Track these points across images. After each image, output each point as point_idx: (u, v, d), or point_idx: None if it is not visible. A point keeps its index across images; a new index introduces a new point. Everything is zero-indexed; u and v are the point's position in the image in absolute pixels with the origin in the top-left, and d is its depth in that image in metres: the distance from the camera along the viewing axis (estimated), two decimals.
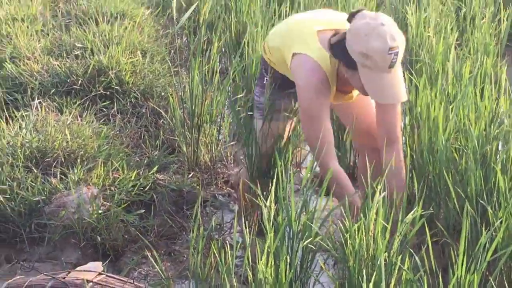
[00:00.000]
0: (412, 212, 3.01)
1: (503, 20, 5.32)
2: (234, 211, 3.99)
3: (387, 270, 2.71)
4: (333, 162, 3.39)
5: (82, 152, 3.97)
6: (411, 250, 2.98)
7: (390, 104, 3.37)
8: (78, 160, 3.91)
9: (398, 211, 3.03)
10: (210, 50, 4.87)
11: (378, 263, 2.70)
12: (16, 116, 4.28)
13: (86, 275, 2.98)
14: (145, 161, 4.14)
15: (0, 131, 4.09)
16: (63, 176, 3.79)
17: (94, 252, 3.53)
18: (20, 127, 4.14)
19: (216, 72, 4.51)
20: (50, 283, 2.93)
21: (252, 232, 3.75)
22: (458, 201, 3.37)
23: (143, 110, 4.67)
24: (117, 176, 3.88)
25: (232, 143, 4.45)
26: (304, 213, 3.16)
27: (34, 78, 4.73)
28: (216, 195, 4.10)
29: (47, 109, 4.35)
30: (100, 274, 3.01)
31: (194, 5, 5.54)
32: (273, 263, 2.83)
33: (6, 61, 4.92)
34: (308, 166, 4.13)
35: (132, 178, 3.86)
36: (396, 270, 2.77)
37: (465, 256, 2.71)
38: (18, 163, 3.81)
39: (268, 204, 3.10)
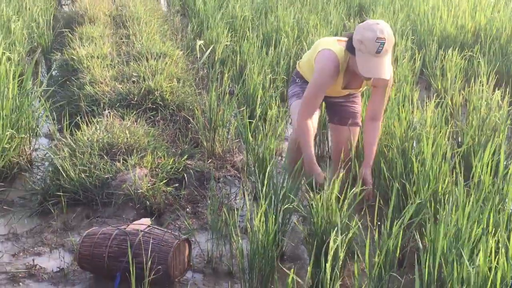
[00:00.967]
0: (355, 187, 3.03)
1: (417, 60, 5.33)
2: (237, 185, 3.99)
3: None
4: (306, 120, 3.32)
5: (137, 145, 3.96)
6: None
7: (380, 87, 3.34)
8: (134, 151, 3.90)
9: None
10: (222, 78, 4.89)
11: (333, 219, 2.71)
12: (93, 121, 4.27)
13: (139, 226, 3.00)
14: (179, 152, 4.13)
15: (82, 131, 4.09)
16: (124, 161, 3.78)
17: (145, 212, 3.52)
18: (95, 128, 4.13)
19: (226, 93, 4.52)
20: (116, 231, 2.94)
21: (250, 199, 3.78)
22: (388, 180, 3.38)
23: (177, 118, 4.65)
24: (160, 161, 3.88)
25: (236, 140, 4.45)
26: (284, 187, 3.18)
27: (105, 96, 4.72)
28: (226, 175, 4.10)
29: (113, 117, 4.34)
30: (148, 226, 3.03)
31: (211, 48, 5.56)
32: (264, 219, 2.83)
33: (87, 84, 4.91)
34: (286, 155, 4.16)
35: (170, 163, 3.86)
36: (344, 224, 2.78)
37: (394, 214, 2.73)
38: (94, 152, 3.81)
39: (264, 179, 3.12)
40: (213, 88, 4.31)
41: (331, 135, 3.73)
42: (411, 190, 3.11)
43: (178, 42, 6.63)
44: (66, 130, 4.16)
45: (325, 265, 2.40)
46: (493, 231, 2.54)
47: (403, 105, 3.80)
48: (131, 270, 2.63)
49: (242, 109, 4.42)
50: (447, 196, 3.00)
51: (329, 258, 2.30)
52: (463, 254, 2.33)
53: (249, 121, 4.11)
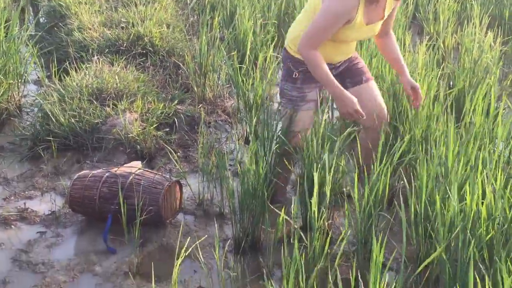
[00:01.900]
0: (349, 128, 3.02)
1: (410, 4, 5.26)
2: (228, 130, 3.99)
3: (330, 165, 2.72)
4: (311, 50, 2.79)
5: (126, 91, 3.94)
6: (347, 153, 3.00)
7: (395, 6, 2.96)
8: (124, 96, 3.88)
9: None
10: (213, 24, 4.83)
11: (323, 159, 2.71)
12: (81, 67, 4.23)
13: (130, 169, 3.00)
14: (169, 97, 4.11)
15: (71, 76, 4.06)
16: (114, 106, 3.77)
17: (135, 156, 3.53)
18: (85, 74, 4.10)
19: (216, 38, 4.47)
20: (107, 174, 2.95)
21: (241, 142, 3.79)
22: None
23: (168, 64, 4.61)
24: (150, 106, 3.86)
25: (227, 85, 4.43)
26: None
27: (94, 42, 4.66)
28: (217, 120, 4.09)
29: (102, 63, 4.30)
30: (139, 169, 3.03)
31: None
32: (254, 160, 2.84)
33: (75, 30, 4.84)
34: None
35: (160, 108, 3.85)
36: (334, 164, 2.78)
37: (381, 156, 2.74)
38: (84, 97, 3.79)
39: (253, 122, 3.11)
40: (203, 33, 4.26)
41: None
42: (403, 129, 3.11)
43: None
44: (55, 76, 4.12)
45: (311, 203, 2.42)
46: (481, 171, 2.56)
47: None
48: (122, 211, 2.65)
49: (232, 54, 4.38)
50: (437, 136, 3.00)
51: (314, 195, 2.32)
52: (449, 192, 2.35)
53: (239, 66, 4.09)
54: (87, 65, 4.25)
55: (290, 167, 3.03)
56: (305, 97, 3.00)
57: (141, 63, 4.53)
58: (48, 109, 3.66)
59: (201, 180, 3.23)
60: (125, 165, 3.15)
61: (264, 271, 2.48)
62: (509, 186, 2.38)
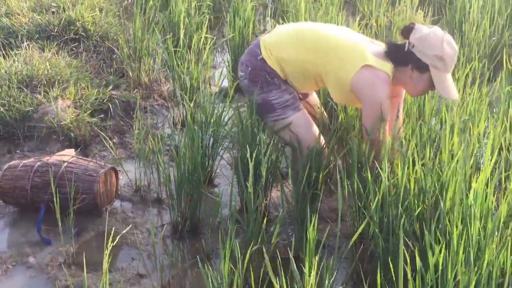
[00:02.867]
0: None
1: None
2: (165, 115, 3.94)
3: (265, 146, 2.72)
4: (381, 132, 2.66)
5: (58, 77, 3.83)
6: None
7: (396, 103, 2.81)
8: (56, 83, 3.78)
9: None
10: (147, 7, 4.76)
11: (258, 141, 2.72)
12: (10, 54, 4.09)
13: (63, 157, 2.94)
14: (104, 83, 4.02)
15: None
16: (46, 94, 3.67)
17: (69, 144, 3.45)
18: (14, 61, 3.96)
19: (151, 21, 4.41)
20: (38, 163, 2.88)
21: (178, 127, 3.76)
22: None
23: (102, 49, 4.50)
24: (84, 92, 3.77)
25: (163, 69, 4.37)
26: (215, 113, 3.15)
27: (23, 27, 4.51)
28: (153, 104, 4.04)
29: (32, 49, 4.17)
30: (73, 157, 2.97)
31: None
32: (191, 145, 2.82)
33: (2, 16, 4.67)
34: (216, 83, 4.14)
35: (94, 93, 3.76)
36: (270, 145, 2.78)
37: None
38: (13, 85, 3.66)
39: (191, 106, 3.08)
40: (137, 17, 4.19)
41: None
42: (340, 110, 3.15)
43: None
44: None
45: (246, 185, 2.42)
46: (412, 146, 2.61)
47: None
48: (55, 201, 2.59)
49: (167, 37, 4.32)
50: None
51: (250, 176, 2.32)
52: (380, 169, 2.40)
53: (174, 50, 4.04)
54: (16, 52, 4.11)
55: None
56: (296, 95, 2.87)
57: (74, 49, 4.42)
58: None
59: (137, 166, 3.19)
60: (57, 153, 3.08)
61: (201, 255, 2.47)
62: (437, 160, 2.44)
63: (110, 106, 3.78)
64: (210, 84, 4.33)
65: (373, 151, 2.59)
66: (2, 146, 3.42)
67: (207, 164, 3.12)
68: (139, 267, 2.59)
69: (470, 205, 2.10)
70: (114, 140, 3.56)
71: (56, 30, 4.50)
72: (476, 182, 2.13)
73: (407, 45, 2.62)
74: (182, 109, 3.81)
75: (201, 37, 4.21)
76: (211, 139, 3.12)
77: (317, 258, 2.04)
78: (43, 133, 3.44)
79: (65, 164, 2.84)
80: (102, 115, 3.71)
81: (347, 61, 2.66)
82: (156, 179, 3.13)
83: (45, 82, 3.76)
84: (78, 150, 3.39)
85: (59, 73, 3.87)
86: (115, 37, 4.62)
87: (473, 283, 1.95)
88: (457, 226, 2.04)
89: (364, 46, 2.69)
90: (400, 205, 2.28)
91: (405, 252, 2.02)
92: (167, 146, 3.50)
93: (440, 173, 2.40)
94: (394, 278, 2.02)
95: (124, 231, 2.64)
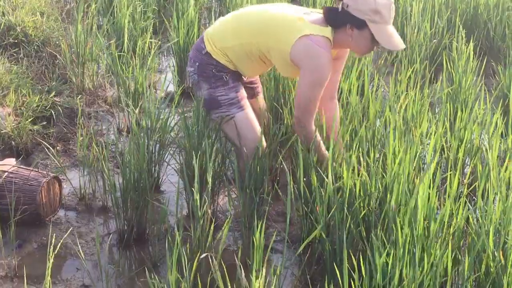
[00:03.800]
0: None
1: None
2: (110, 121, 3.87)
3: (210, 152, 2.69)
4: (312, 123, 2.74)
5: None
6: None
7: (340, 60, 2.88)
8: None
9: None
10: (89, 11, 4.66)
11: (203, 145, 2.69)
12: None
13: (2, 167, 2.84)
14: (46, 89, 3.91)
15: None
16: None
17: (10, 153, 3.34)
18: None
19: (93, 25, 4.32)
20: None
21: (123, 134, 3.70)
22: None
23: (43, 54, 4.39)
24: (25, 99, 3.66)
25: (107, 75, 4.29)
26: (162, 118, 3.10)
27: None
28: (98, 111, 3.95)
29: None
30: (13, 166, 2.88)
31: None
32: (136, 152, 2.76)
33: None
34: (161, 88, 4.08)
35: (36, 100, 3.65)
36: (215, 150, 2.76)
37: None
38: None
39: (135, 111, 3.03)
40: (79, 21, 4.10)
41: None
42: (285, 114, 3.14)
43: None
44: None
45: (192, 191, 2.39)
46: (356, 149, 2.63)
47: None
48: None
49: (111, 42, 4.24)
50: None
51: (195, 183, 2.29)
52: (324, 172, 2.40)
53: (119, 54, 3.97)
54: None
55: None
56: (242, 93, 2.87)
57: (14, 54, 4.29)
58: None
59: (82, 174, 3.12)
60: None
61: (148, 264, 2.43)
62: (379, 162, 2.46)
63: (53, 113, 3.68)
64: (155, 89, 4.28)
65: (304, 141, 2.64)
66: None
67: (153, 170, 3.07)
68: (84, 277, 2.53)
69: (414, 207, 2.13)
70: (58, 148, 3.46)
71: None
72: (419, 183, 2.16)
73: (341, 5, 2.64)
74: (127, 115, 3.75)
75: (146, 42, 4.15)
76: (157, 145, 3.08)
77: (264, 264, 2.03)
78: None
79: (5, 174, 2.75)
80: (45, 123, 3.60)
81: (285, 33, 2.68)
82: (101, 187, 3.07)
83: None
84: (20, 159, 3.29)
85: None
86: (57, 42, 4.51)
87: (418, 282, 1.97)
88: (402, 228, 2.06)
89: (302, 16, 2.71)
90: (345, 209, 2.29)
91: (352, 255, 2.02)
92: (112, 153, 3.43)
93: (384, 175, 2.42)
94: (340, 282, 2.02)
95: (63, 240, 2.57)
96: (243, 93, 2.89)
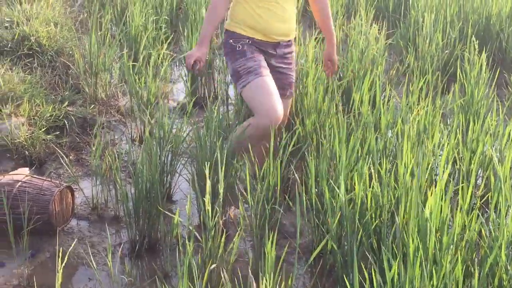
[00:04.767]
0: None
1: None
2: (122, 130, 3.89)
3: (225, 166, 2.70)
4: None
5: (12, 94, 3.75)
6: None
7: None
8: (9, 99, 3.69)
9: None
10: (103, 21, 4.70)
11: (215, 157, 2.70)
12: None
13: (16, 177, 2.87)
14: (59, 99, 3.95)
15: None
16: None
17: (24, 163, 3.37)
18: None
19: (107, 36, 4.35)
20: None
21: (135, 143, 3.71)
22: None
23: (57, 64, 4.43)
24: (39, 109, 3.70)
25: (120, 84, 4.32)
26: (174, 129, 3.12)
27: None
28: (110, 120, 3.98)
29: None
30: (26, 176, 2.90)
31: None
32: (148, 162, 2.78)
33: None
34: (173, 98, 4.11)
35: (50, 110, 3.69)
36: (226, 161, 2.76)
37: (274, 150, 2.74)
38: None
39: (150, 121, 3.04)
40: (93, 31, 4.13)
41: None
42: (297, 123, 3.14)
43: None
44: None
45: (204, 202, 2.40)
46: (368, 160, 2.63)
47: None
48: (8, 221, 2.52)
49: (124, 52, 4.27)
50: (328, 128, 3.06)
51: (207, 193, 2.30)
52: (337, 183, 2.40)
53: (132, 64, 4.00)
54: None
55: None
56: (261, 62, 2.89)
57: (28, 64, 4.33)
58: None
59: (94, 183, 3.13)
60: (10, 172, 3.00)
61: (159, 274, 2.43)
62: (392, 174, 2.46)
63: (66, 122, 3.71)
64: (168, 99, 4.30)
65: None
66: None
67: (165, 180, 3.08)
68: (96, 287, 2.54)
69: (426, 219, 2.12)
70: (70, 157, 3.49)
71: (9, 45, 4.41)
72: (431, 195, 2.15)
73: None
74: (139, 125, 3.77)
75: (160, 53, 4.18)
76: (169, 155, 3.09)
77: (276, 275, 2.03)
78: None
79: (19, 184, 2.77)
80: (58, 132, 3.63)
81: None
82: (113, 197, 3.08)
83: None
84: (33, 168, 3.31)
85: (13, 90, 3.79)
86: (70, 52, 4.55)
87: None
88: (413, 240, 2.05)
89: None
90: (357, 220, 2.29)
91: (363, 267, 2.02)
92: (125, 163, 3.45)
93: (396, 187, 2.42)
94: None
95: (74, 249, 2.58)
96: (262, 63, 2.90)
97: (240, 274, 2.35)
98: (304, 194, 2.54)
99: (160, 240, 2.80)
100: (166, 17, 5.06)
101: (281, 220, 2.75)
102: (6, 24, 4.71)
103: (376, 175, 2.43)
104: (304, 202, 2.53)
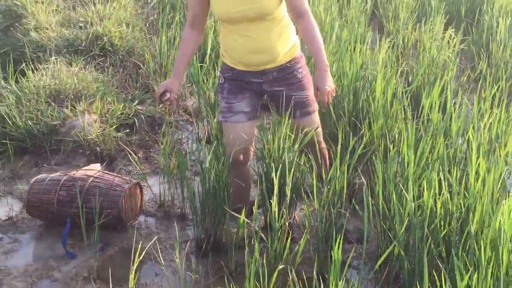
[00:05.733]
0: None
1: (368, 1, 5.31)
2: (190, 130, 3.97)
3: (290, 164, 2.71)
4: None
5: (85, 92, 3.89)
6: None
7: None
8: (83, 97, 3.83)
9: None
10: (173, 22, 4.80)
11: (282, 159, 2.71)
12: (39, 68, 4.16)
13: (89, 172, 2.97)
14: (129, 97, 4.07)
15: (28, 77, 3.99)
16: (72, 108, 3.72)
17: (95, 158, 3.49)
18: (42, 75, 4.03)
19: (176, 37, 4.45)
20: (64, 177, 2.91)
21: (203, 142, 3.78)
22: (337, 119, 3.39)
23: (128, 64, 4.57)
24: (110, 107, 3.82)
25: (188, 85, 4.40)
26: None
27: (51, 42, 4.59)
28: (178, 120, 4.07)
29: (60, 63, 4.24)
30: (98, 171, 3.00)
31: None
32: (215, 161, 2.82)
33: (32, 30, 4.76)
34: None
35: (120, 108, 3.81)
36: (295, 164, 2.78)
37: (341, 154, 2.75)
38: (41, 99, 3.73)
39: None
40: (163, 33, 4.23)
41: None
42: (361, 128, 3.13)
43: None
44: (11, 78, 4.04)
45: (271, 204, 2.42)
46: (437, 167, 2.59)
47: (354, 47, 3.80)
48: (81, 215, 2.62)
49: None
50: (395, 133, 3.04)
51: (274, 195, 2.32)
52: (405, 190, 2.38)
53: (200, 65, 4.07)
54: (45, 66, 4.18)
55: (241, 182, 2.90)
56: (232, 108, 2.83)
57: (100, 63, 4.48)
58: (4, 111, 3.59)
59: (162, 181, 3.21)
60: (83, 167, 3.11)
61: (226, 273, 2.47)
62: (463, 182, 2.41)
63: (136, 121, 3.81)
64: None
65: None
66: (30, 159, 3.47)
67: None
68: (163, 282, 2.60)
69: (499, 228, 2.08)
70: (139, 155, 3.58)
71: (83, 44, 4.57)
72: (505, 204, 2.11)
73: None
74: (206, 125, 3.83)
75: None
76: None
77: (342, 279, 2.03)
78: (70, 147, 3.48)
79: (91, 178, 2.87)
80: (128, 130, 3.74)
81: None
82: (180, 195, 3.15)
83: (72, 96, 3.82)
84: (104, 164, 3.42)
85: (86, 88, 3.92)
86: (141, 52, 4.68)
87: None
88: (485, 250, 2.01)
89: None
90: (426, 227, 2.26)
91: (435, 275, 2.00)
92: (192, 161, 3.52)
93: (467, 195, 2.37)
94: None
95: (147, 247, 2.65)
96: (236, 107, 2.82)
97: (304, 276, 2.36)
98: (370, 199, 2.53)
99: (225, 239, 2.84)
100: None
101: (347, 224, 2.74)
102: (81, 24, 4.89)
103: (446, 182, 2.40)
104: (370, 207, 2.51)
